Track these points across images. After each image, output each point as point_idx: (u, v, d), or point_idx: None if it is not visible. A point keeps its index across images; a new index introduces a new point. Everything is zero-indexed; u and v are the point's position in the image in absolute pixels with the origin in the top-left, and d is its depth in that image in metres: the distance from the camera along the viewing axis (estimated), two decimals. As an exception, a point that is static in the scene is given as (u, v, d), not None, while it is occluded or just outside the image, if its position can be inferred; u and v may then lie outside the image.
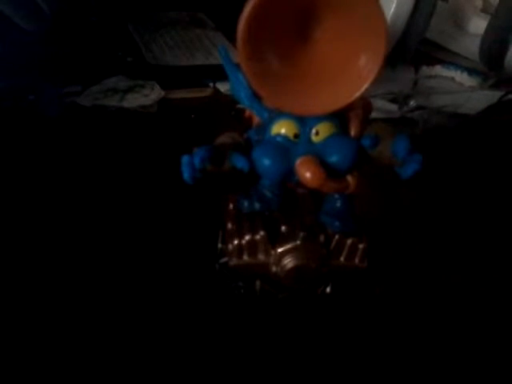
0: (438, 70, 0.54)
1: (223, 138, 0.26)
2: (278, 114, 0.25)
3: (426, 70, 0.54)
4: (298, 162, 0.24)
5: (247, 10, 0.21)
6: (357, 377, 0.28)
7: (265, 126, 0.26)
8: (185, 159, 0.23)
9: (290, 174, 0.25)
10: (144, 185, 0.38)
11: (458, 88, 0.53)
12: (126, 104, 0.47)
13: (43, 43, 0.49)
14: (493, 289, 0.33)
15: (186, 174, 0.23)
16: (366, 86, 0.23)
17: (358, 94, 0.23)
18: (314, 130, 0.25)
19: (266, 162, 0.25)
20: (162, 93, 0.49)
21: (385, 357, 0.28)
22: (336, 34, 0.23)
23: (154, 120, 0.47)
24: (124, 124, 0.45)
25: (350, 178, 0.25)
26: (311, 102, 0.24)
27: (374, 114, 0.45)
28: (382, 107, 0.48)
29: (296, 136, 0.25)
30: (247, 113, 0.28)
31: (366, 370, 0.28)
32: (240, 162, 0.25)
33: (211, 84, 0.51)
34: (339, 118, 0.25)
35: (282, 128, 0.25)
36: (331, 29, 0.23)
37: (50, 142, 0.41)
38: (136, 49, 0.55)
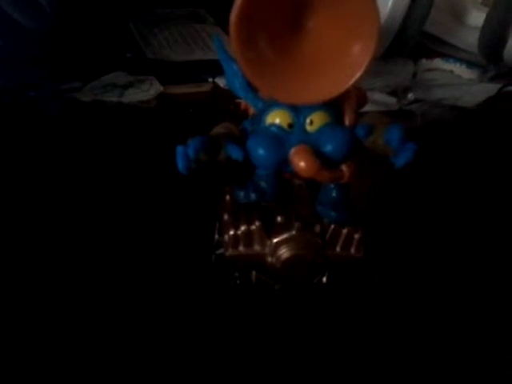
0: (437, 62, 0.54)
1: (218, 129, 0.26)
2: (272, 104, 0.25)
3: (425, 62, 0.54)
4: (293, 151, 0.24)
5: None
6: (353, 366, 0.28)
7: (259, 116, 0.26)
8: (179, 150, 0.23)
9: (284, 163, 0.25)
10: (143, 178, 0.38)
11: (457, 81, 0.52)
12: (125, 99, 0.47)
13: (43, 40, 0.50)
14: (489, 279, 0.33)
15: (181, 165, 0.23)
16: (359, 74, 0.23)
17: (351, 83, 0.23)
18: (308, 120, 0.25)
19: (261, 151, 0.25)
20: (161, 88, 0.49)
21: (381, 346, 0.29)
22: (329, 22, 0.23)
23: (153, 115, 0.47)
24: (123, 119, 0.46)
25: (344, 168, 0.25)
26: (305, 91, 0.24)
27: (372, 107, 0.45)
28: (381, 100, 0.48)
29: (290, 126, 0.25)
30: (243, 104, 0.28)
31: (362, 360, 0.28)
32: (235, 152, 0.25)
33: (210, 79, 0.51)
34: (333, 107, 0.25)
35: (277, 118, 0.25)
36: (324, 18, 0.23)
37: (50, 138, 0.41)
38: (135, 44, 0.55)
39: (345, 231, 0.27)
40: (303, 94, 0.24)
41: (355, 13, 0.22)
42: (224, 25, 0.61)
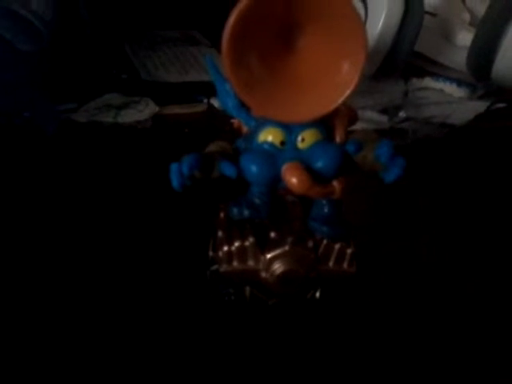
0: (428, 81, 0.55)
1: (212, 147, 0.27)
2: (264, 122, 0.26)
3: (415, 82, 0.55)
4: (284, 167, 0.25)
5: (231, 19, 0.22)
6: (347, 381, 0.28)
7: (252, 135, 0.26)
8: (173, 167, 0.24)
9: (277, 180, 0.25)
10: (138, 197, 0.38)
11: (448, 99, 0.53)
12: (120, 120, 0.48)
13: (38, 62, 0.50)
14: (481, 294, 0.33)
15: (175, 182, 0.24)
16: (348, 91, 0.24)
17: (341, 100, 0.24)
18: (299, 137, 0.25)
19: (254, 168, 0.25)
20: (156, 108, 0.50)
21: (374, 361, 0.29)
22: (318, 42, 0.24)
23: (149, 135, 0.47)
24: (119, 139, 0.46)
25: (335, 183, 0.26)
26: (296, 110, 0.24)
27: (364, 125, 0.46)
28: (373, 118, 0.49)
29: (282, 143, 0.25)
30: (236, 123, 0.28)
31: (355, 374, 0.28)
32: (228, 170, 0.25)
33: (205, 100, 0.52)
34: (324, 125, 0.26)
35: (269, 136, 0.26)
36: (314, 37, 0.24)
37: (46, 159, 0.42)
38: (131, 66, 0.56)
39: (337, 246, 0.28)
40: (294, 112, 0.24)
41: (343, 32, 0.23)
42: (219, 47, 0.61)
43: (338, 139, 0.26)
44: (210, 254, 0.30)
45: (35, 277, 0.32)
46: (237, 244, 0.27)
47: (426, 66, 0.55)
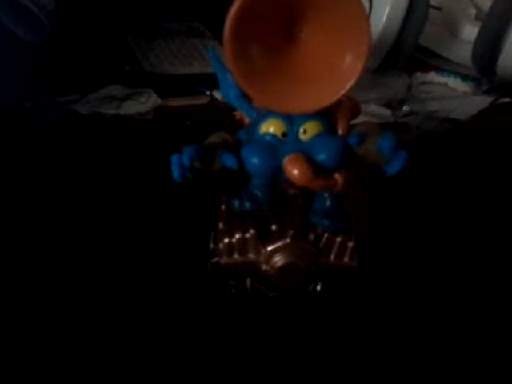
0: (432, 76, 0.55)
1: (213, 138, 0.26)
2: (266, 114, 0.26)
3: (420, 76, 0.55)
4: (286, 159, 0.25)
5: (233, 9, 0.22)
6: (347, 374, 0.28)
7: (254, 126, 0.26)
8: (174, 158, 0.24)
9: (278, 172, 0.25)
10: (139, 189, 0.38)
11: (452, 94, 0.53)
12: (122, 111, 0.48)
13: (41, 53, 0.50)
14: (485, 287, 0.33)
15: (176, 173, 0.24)
16: (351, 83, 0.24)
17: (343, 92, 0.24)
18: (301, 129, 0.25)
19: (255, 160, 0.25)
20: (159, 100, 0.50)
21: (375, 355, 0.29)
22: (321, 33, 0.24)
23: (151, 127, 0.47)
24: (121, 131, 0.46)
25: (337, 176, 0.25)
26: (298, 101, 0.24)
27: (367, 119, 0.46)
28: (376, 112, 0.49)
29: (284, 135, 0.25)
30: (238, 114, 0.28)
31: (356, 368, 0.28)
32: (229, 161, 0.25)
33: (207, 92, 0.52)
34: (327, 117, 0.26)
35: (271, 127, 0.25)
36: (316, 29, 0.23)
37: (48, 150, 0.42)
38: (133, 58, 0.56)
39: (338, 240, 0.28)
40: (296, 104, 0.24)
41: (346, 24, 0.23)
42: (221, 39, 0.61)
43: (340, 131, 0.26)
44: (211, 246, 0.30)
45: (33, 264, 0.32)
46: (237, 236, 0.27)
47: (431, 60, 0.55)
